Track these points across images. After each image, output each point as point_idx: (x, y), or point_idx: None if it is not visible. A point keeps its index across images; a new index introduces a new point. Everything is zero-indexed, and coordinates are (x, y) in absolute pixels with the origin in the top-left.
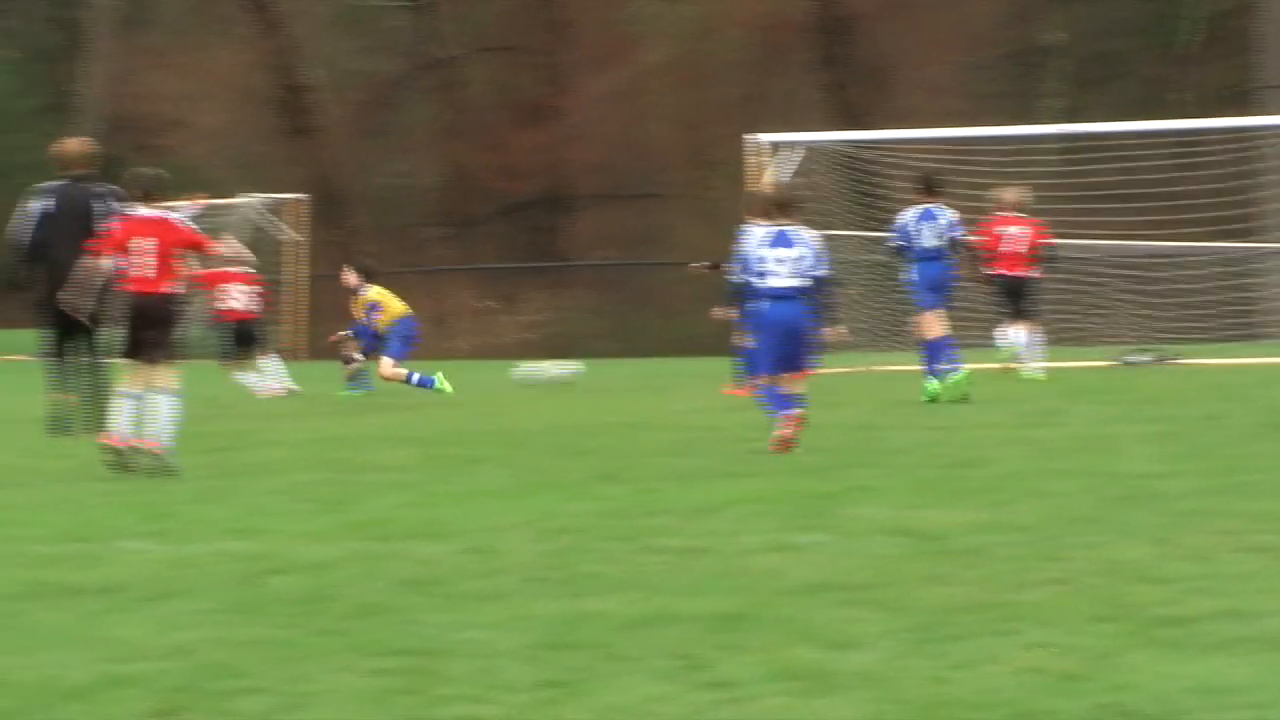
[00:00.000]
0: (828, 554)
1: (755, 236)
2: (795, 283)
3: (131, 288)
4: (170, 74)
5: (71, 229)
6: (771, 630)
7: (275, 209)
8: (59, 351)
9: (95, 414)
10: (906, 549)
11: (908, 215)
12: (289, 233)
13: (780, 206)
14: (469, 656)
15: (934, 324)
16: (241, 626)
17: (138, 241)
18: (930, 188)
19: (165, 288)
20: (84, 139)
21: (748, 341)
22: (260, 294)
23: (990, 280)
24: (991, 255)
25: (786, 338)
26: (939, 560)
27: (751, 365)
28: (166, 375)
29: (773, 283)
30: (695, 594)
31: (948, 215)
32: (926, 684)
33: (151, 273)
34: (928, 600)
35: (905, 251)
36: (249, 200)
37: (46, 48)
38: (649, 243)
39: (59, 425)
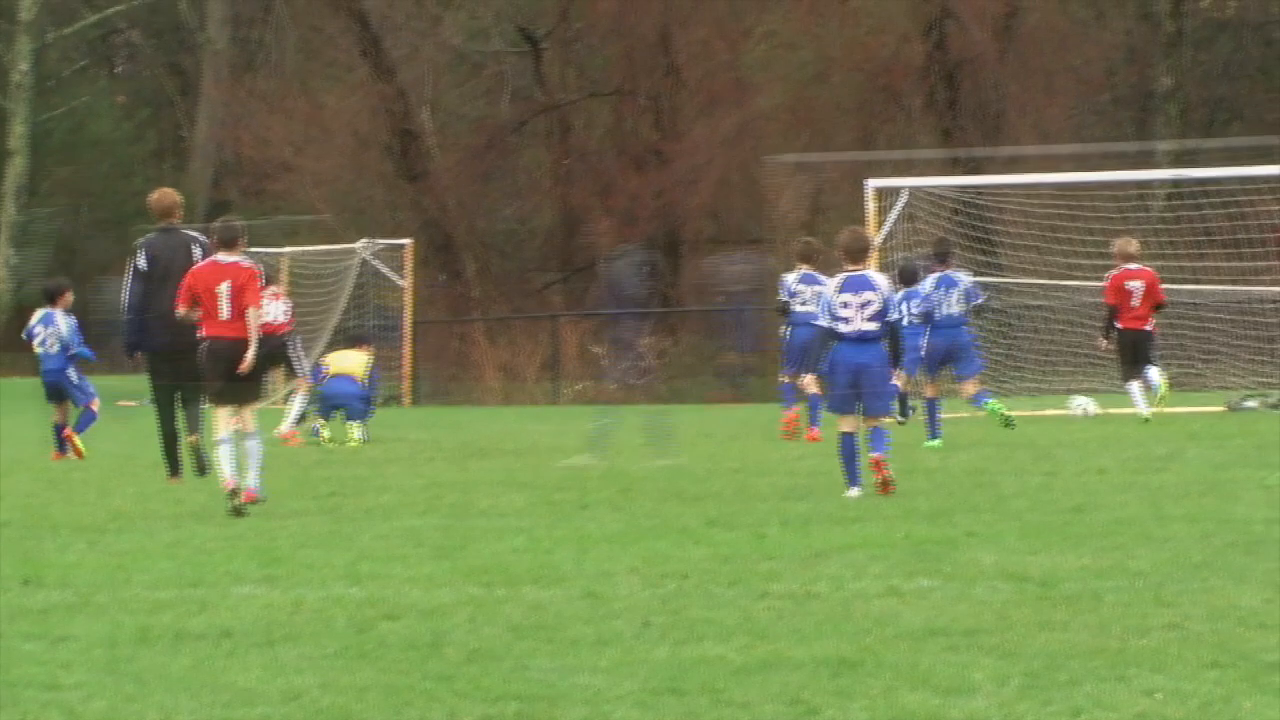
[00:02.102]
0: (939, 599)
1: (832, 282)
2: (868, 327)
3: (211, 332)
4: (283, 118)
5: (170, 277)
6: (883, 675)
7: (387, 254)
8: (168, 397)
9: (184, 454)
10: (1018, 594)
11: (928, 283)
12: (401, 277)
13: (853, 253)
14: (580, 702)
15: (931, 387)
16: (353, 672)
17: (217, 287)
18: (943, 256)
19: (243, 332)
20: (170, 191)
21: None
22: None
23: (1114, 334)
24: (1119, 310)
25: (858, 380)
26: (1051, 606)
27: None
28: (249, 418)
29: (846, 328)
30: (807, 639)
31: (965, 280)
32: None
33: (228, 317)
34: (1039, 646)
35: (929, 317)
36: (361, 245)
37: (160, 92)
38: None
39: (199, 466)
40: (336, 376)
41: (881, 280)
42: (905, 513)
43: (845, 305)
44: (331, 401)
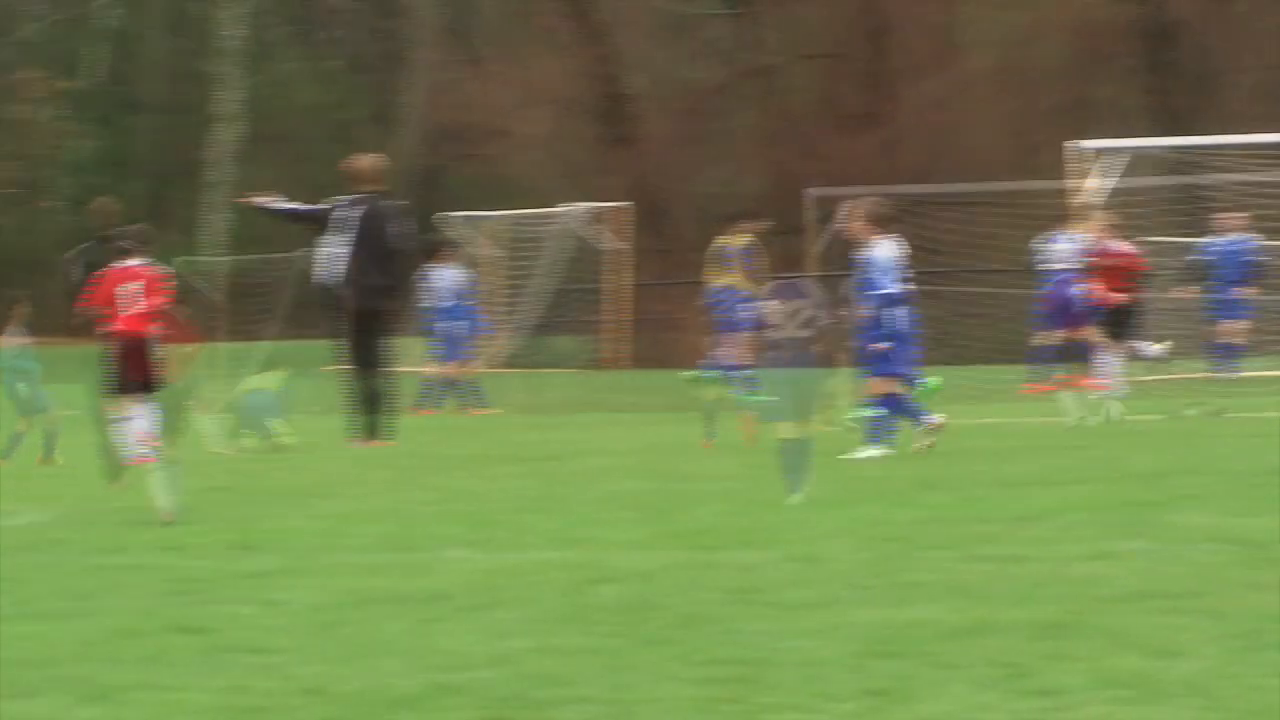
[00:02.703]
0: (1150, 561)
1: (892, 247)
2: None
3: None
4: (492, 84)
5: (366, 246)
6: (1095, 638)
7: (597, 218)
8: (361, 359)
9: (380, 419)
10: (1230, 556)
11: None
12: (611, 242)
13: (885, 220)
14: (793, 665)
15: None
16: (566, 635)
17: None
18: None
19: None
20: (376, 157)
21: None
22: None
23: None
24: None
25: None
26: (1263, 567)
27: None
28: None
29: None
30: (1018, 602)
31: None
32: (1252, 692)
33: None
34: (1252, 607)
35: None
36: (571, 209)
37: (369, 58)
38: (970, 250)
39: (372, 433)
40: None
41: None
42: (1116, 474)
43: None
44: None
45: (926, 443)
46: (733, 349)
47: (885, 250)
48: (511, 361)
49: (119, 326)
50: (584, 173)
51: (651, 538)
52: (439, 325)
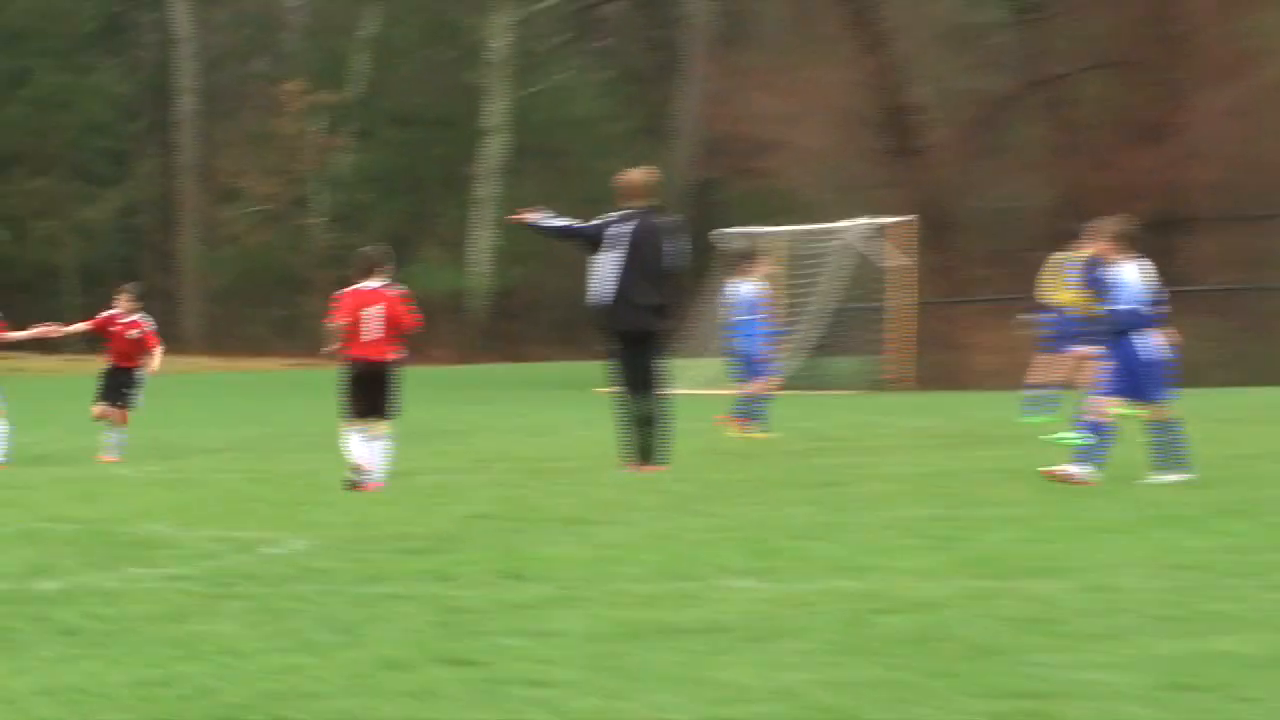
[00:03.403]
0: None
1: (1135, 268)
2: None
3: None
4: (769, 94)
5: (637, 264)
6: None
7: (879, 234)
8: (629, 381)
9: (654, 443)
10: None
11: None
12: (895, 258)
13: (1129, 240)
14: (1088, 698)
15: None
16: (850, 668)
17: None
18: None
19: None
20: (647, 170)
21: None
22: None
23: None
24: None
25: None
26: None
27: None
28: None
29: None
30: None
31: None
32: None
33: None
34: None
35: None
36: (852, 225)
37: (642, 69)
38: (1270, 266)
39: (645, 457)
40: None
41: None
42: None
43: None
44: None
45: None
46: (1053, 370)
47: (1130, 271)
48: (791, 383)
49: (358, 351)
50: (863, 186)
51: (938, 566)
52: (737, 342)
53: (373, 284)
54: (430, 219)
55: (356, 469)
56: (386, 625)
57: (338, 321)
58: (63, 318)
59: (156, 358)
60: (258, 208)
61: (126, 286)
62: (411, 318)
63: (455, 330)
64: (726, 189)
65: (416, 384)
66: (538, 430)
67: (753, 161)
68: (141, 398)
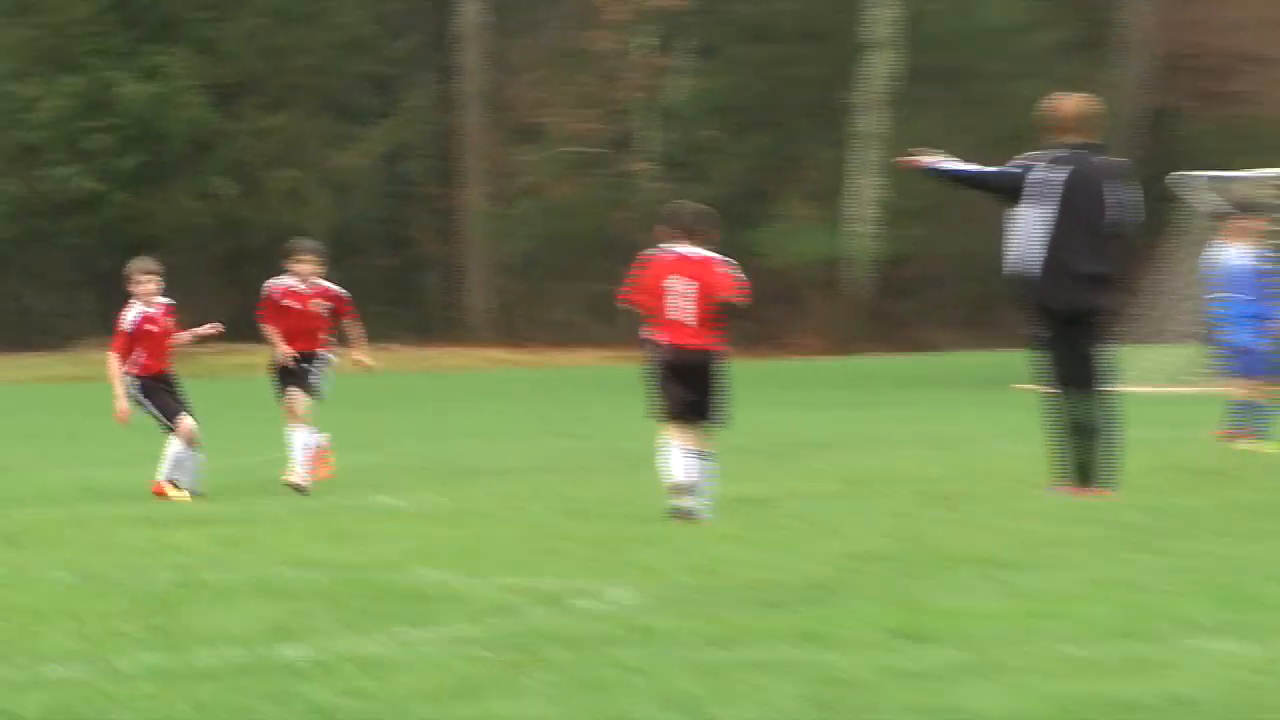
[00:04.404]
0: None
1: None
2: None
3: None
4: None
5: (1073, 221)
6: None
7: None
8: (1065, 375)
9: (1096, 458)
10: None
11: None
12: None
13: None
14: None
15: None
16: None
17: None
18: None
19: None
20: (1085, 97)
21: None
22: None
23: None
24: None
25: None
26: None
27: None
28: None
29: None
30: None
31: None
32: None
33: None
34: None
35: None
36: None
37: None
38: None
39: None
40: None
41: None
42: None
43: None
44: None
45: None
46: None
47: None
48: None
49: (665, 335)
50: None
51: None
52: (1222, 327)
53: (686, 249)
54: (794, 164)
55: (678, 490)
56: (742, 704)
57: (635, 298)
58: None
59: (356, 339)
60: (566, 150)
61: (305, 243)
62: (736, 289)
63: (827, 311)
64: (1191, 120)
65: (774, 382)
66: (939, 442)
67: (1222, 84)
68: (327, 385)
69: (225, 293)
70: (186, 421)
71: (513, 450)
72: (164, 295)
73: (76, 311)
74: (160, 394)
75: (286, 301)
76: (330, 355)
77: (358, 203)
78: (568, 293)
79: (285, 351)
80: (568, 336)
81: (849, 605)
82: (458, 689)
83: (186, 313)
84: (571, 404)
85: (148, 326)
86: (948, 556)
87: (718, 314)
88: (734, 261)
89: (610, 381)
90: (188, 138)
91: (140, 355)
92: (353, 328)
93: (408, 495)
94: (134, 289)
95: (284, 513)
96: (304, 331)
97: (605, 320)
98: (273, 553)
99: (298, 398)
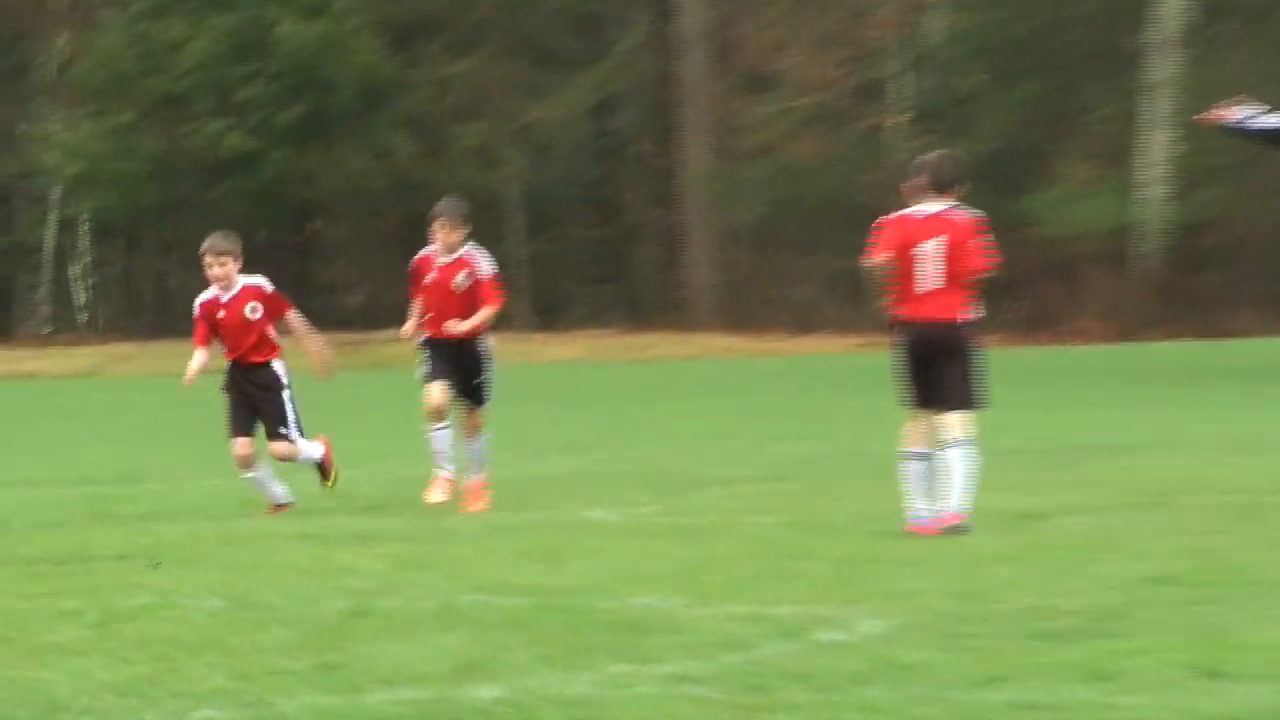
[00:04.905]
0: None
1: None
2: None
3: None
4: None
5: None
6: None
7: None
8: None
9: None
10: None
11: None
12: None
13: None
14: None
15: None
16: None
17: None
18: None
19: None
20: None
21: None
22: None
23: None
24: None
25: None
26: None
27: None
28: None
29: None
30: None
31: None
32: None
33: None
34: None
35: None
36: None
37: None
38: None
39: None
40: None
41: None
42: None
43: None
44: None
45: None
46: None
47: None
48: None
49: (910, 309)
50: None
51: None
52: None
53: (933, 207)
54: (1073, 117)
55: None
56: None
57: (876, 260)
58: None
59: (483, 321)
60: (804, 101)
61: (446, 206)
62: (983, 256)
63: (1112, 290)
64: None
65: (1050, 374)
66: (1248, 445)
67: None
68: (492, 388)
69: (399, 267)
70: (235, 445)
71: (741, 454)
72: (260, 275)
73: None
74: (233, 395)
75: (423, 277)
76: (490, 346)
77: (559, 163)
78: (806, 269)
79: (406, 330)
80: (804, 320)
81: (1141, 638)
82: None
83: (355, 291)
84: (811, 399)
85: (219, 314)
86: (1257, 581)
87: (967, 281)
88: (983, 218)
89: (856, 373)
90: (358, 87)
91: (220, 346)
92: (483, 313)
93: (619, 508)
94: (206, 273)
95: (474, 529)
96: (445, 312)
97: (850, 301)
98: (460, 576)
99: (472, 411)
